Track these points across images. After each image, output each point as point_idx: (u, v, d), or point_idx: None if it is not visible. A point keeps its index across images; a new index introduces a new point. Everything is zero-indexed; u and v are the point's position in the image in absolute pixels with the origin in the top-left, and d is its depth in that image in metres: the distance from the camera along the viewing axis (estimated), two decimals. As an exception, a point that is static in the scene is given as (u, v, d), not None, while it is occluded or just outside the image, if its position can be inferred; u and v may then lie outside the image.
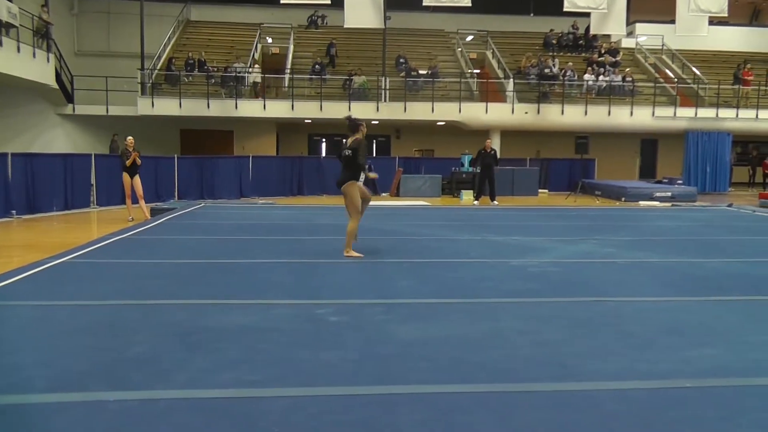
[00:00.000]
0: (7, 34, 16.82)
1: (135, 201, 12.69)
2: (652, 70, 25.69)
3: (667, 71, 25.95)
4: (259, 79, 21.72)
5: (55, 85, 20.08)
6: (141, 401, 3.35)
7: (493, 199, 17.18)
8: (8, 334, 4.61)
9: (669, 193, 18.51)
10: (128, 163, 12.38)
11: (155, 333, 4.57)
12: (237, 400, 3.39)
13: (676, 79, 24.88)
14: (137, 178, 12.62)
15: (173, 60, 22.15)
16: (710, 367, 3.99)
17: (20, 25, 17.42)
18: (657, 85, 23.69)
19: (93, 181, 14.99)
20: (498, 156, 17.72)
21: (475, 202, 17.33)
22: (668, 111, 22.64)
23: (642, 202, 17.75)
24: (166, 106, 20.65)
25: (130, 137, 12.65)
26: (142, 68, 20.91)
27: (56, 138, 21.26)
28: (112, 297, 5.69)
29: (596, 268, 7.41)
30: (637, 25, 27.83)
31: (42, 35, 19.14)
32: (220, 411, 3.25)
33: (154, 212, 13.08)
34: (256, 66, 22.00)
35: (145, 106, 20.51)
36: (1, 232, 10.96)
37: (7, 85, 18.94)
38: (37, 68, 18.57)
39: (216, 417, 3.18)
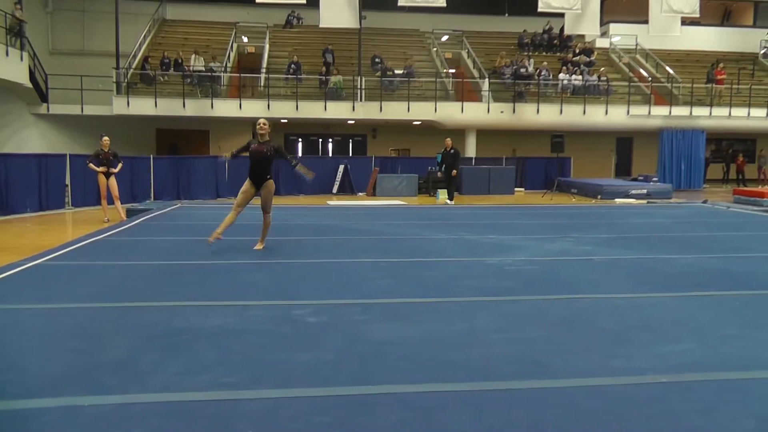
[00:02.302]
0: (-22, 33, 16.57)
1: (110, 202, 12.52)
2: (627, 70, 25.96)
3: (641, 71, 26.26)
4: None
5: (29, 84, 19.77)
6: (116, 405, 3.31)
7: (450, 199, 16.93)
8: (-20, 339, 4.53)
9: (644, 191, 18.69)
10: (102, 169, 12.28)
11: (131, 336, 4.52)
12: (213, 402, 3.37)
13: (650, 79, 25.18)
14: (113, 179, 12.43)
15: (148, 59, 21.94)
16: (685, 362, 4.04)
17: (-8, 23, 17.17)
18: (631, 84, 23.96)
19: (68, 181, 14.80)
20: (459, 155, 17.50)
21: (448, 201, 17.14)
22: (643, 110, 22.90)
23: (618, 200, 17.92)
24: (142, 106, 20.45)
25: (105, 137, 12.43)
26: (118, 67, 20.67)
27: (30, 138, 20.94)
28: (87, 300, 5.62)
29: (572, 266, 7.46)
30: (611, 25, 28.13)
31: (15, 33, 18.81)
32: (197, 413, 3.23)
33: (130, 213, 12.95)
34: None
35: (120, 106, 20.28)
36: (-27, 234, 10.78)
37: (-21, 85, 18.64)
38: (11, 67, 18.27)
39: (192, 420, 3.15)
